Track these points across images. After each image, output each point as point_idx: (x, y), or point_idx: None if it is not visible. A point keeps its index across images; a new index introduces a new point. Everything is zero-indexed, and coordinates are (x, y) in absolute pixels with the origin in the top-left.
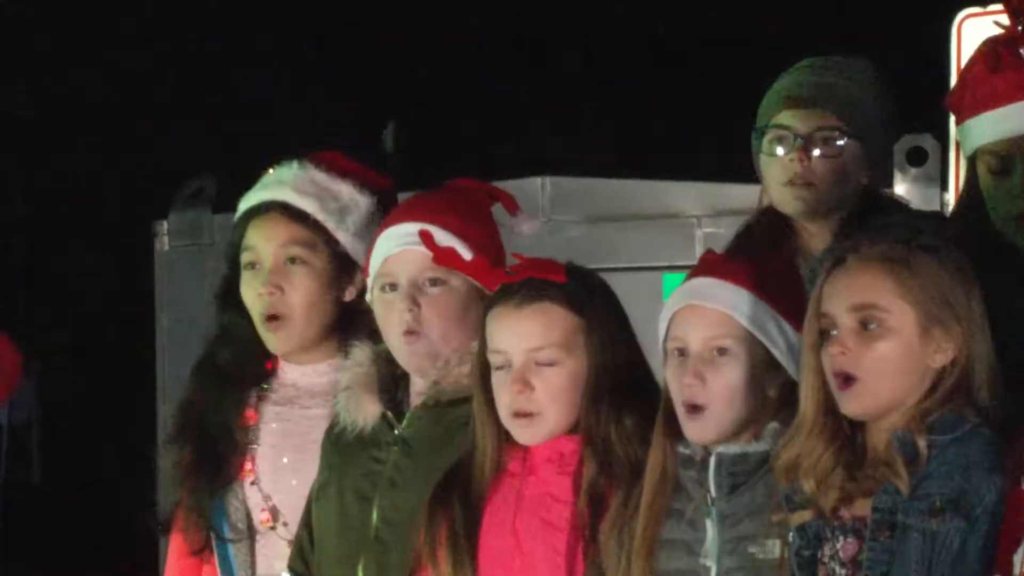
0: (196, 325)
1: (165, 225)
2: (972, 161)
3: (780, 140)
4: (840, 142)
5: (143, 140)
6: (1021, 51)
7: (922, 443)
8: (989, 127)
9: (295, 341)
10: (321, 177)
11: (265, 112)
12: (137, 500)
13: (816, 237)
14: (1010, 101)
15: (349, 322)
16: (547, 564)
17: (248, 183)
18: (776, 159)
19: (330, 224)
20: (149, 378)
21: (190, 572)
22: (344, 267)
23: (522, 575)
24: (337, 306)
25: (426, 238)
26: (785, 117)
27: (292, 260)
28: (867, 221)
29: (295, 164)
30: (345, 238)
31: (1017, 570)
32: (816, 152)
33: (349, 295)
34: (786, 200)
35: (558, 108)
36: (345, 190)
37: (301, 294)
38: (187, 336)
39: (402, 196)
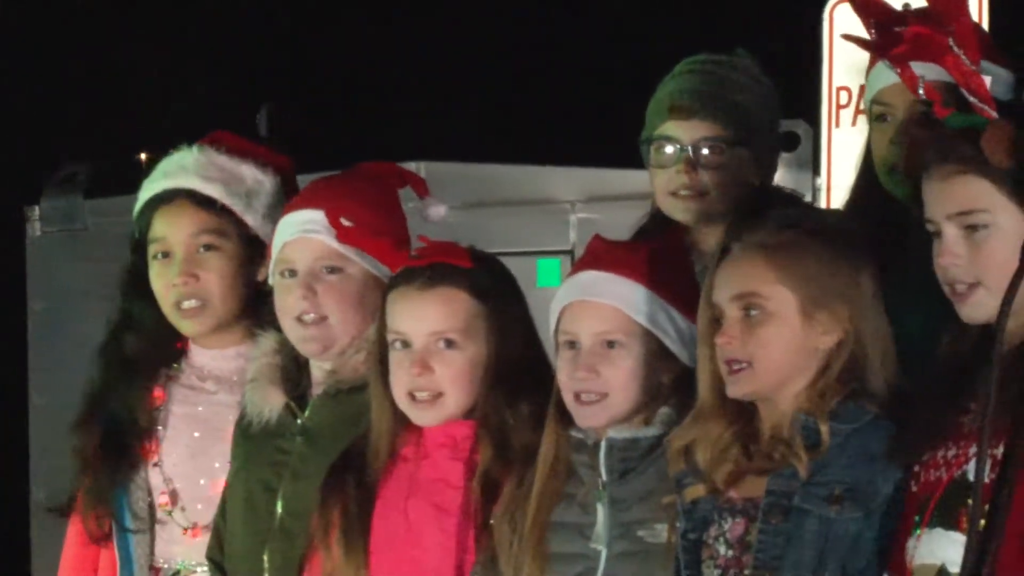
0: (68, 311)
1: (37, 211)
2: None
3: (667, 151)
4: (726, 151)
5: (13, 125)
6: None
7: (824, 429)
8: (878, 76)
9: (211, 326)
10: (223, 160)
11: (139, 97)
12: (8, 488)
13: (709, 237)
14: None
15: (261, 303)
16: (438, 548)
17: (121, 168)
18: (663, 170)
19: (238, 208)
20: (20, 365)
21: (88, 561)
22: (255, 248)
23: (413, 559)
24: (251, 287)
25: (332, 216)
26: (670, 128)
27: (204, 248)
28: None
29: (195, 149)
30: (254, 220)
31: (910, 560)
32: (703, 163)
33: (261, 275)
34: (675, 210)
35: (432, 93)
36: (248, 172)
37: (216, 280)
38: (59, 322)
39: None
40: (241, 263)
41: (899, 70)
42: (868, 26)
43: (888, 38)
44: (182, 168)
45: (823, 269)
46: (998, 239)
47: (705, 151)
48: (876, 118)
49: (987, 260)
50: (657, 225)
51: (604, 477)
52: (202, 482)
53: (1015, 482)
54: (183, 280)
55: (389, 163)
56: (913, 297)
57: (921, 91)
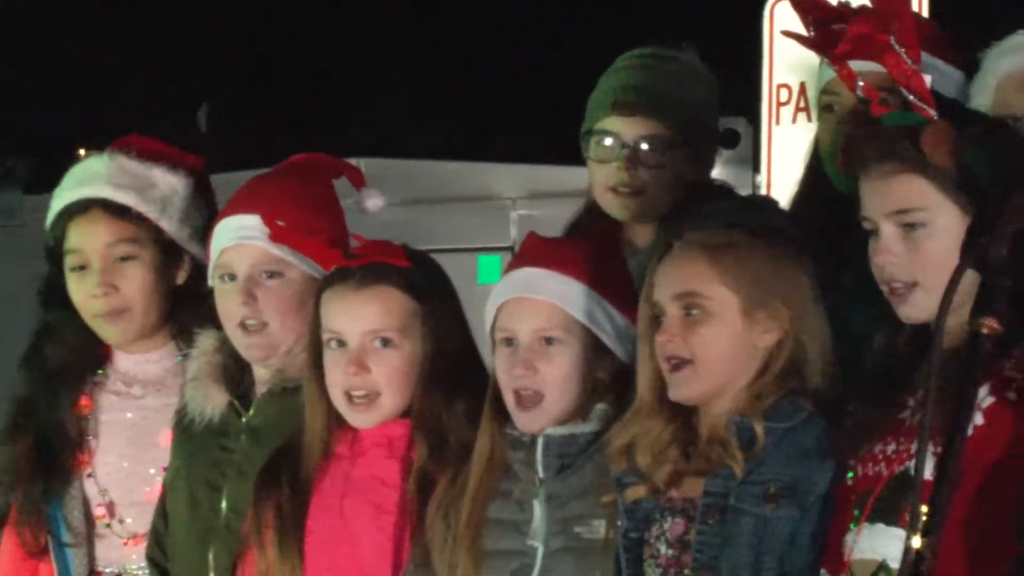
0: (6, 306)
1: None
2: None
3: (607, 145)
4: (668, 149)
5: None
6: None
7: (759, 429)
8: (827, 67)
9: (134, 333)
10: (134, 166)
11: (77, 92)
12: None
13: (642, 234)
14: None
15: (182, 307)
16: (374, 547)
17: (60, 164)
18: (603, 164)
19: (152, 215)
20: None
21: (27, 574)
22: (172, 253)
23: (349, 558)
24: (170, 291)
25: (267, 219)
26: (612, 122)
27: (121, 258)
28: (692, 207)
29: (104, 155)
30: (169, 225)
31: (847, 554)
32: (643, 160)
33: (180, 279)
34: (612, 206)
35: (373, 89)
36: (160, 176)
37: (136, 288)
38: None
39: (223, 177)
40: (159, 269)
41: (838, 68)
42: (807, 23)
43: (828, 36)
44: (94, 176)
45: (765, 269)
46: (936, 238)
47: (646, 148)
48: (824, 108)
49: (925, 259)
50: (592, 219)
51: (541, 473)
52: (138, 490)
53: (955, 479)
54: (103, 291)
55: (322, 155)
56: (859, 292)
57: (859, 90)
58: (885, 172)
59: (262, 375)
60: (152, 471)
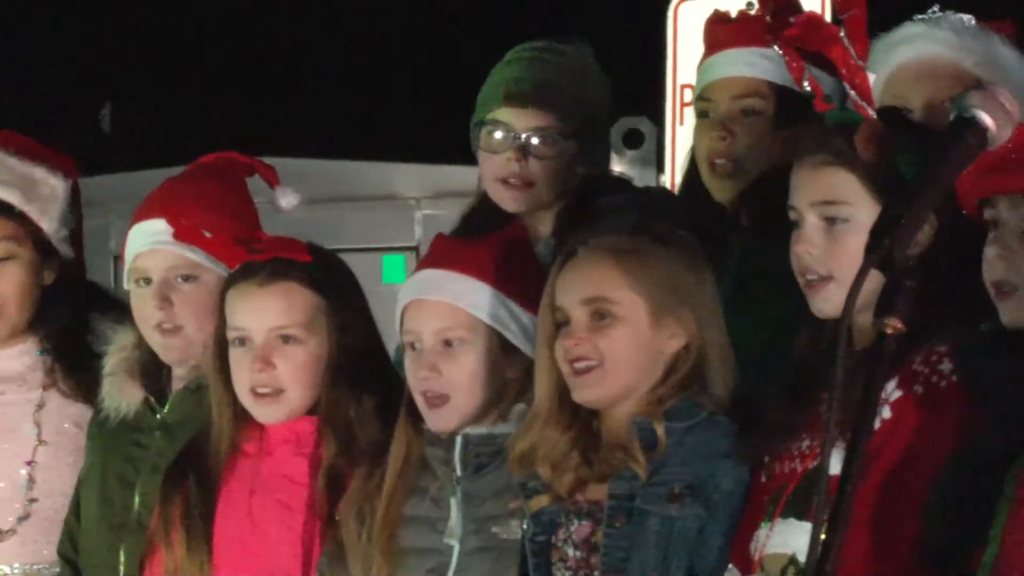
0: None
1: None
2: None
3: (498, 136)
4: (559, 142)
5: None
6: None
7: (660, 430)
8: (704, 72)
9: (6, 333)
10: (15, 163)
11: None
12: None
13: (540, 224)
14: (723, 48)
15: (47, 305)
16: (283, 545)
17: None
18: (493, 155)
19: (34, 214)
20: None
21: None
22: (47, 253)
23: (258, 556)
24: (40, 291)
25: (177, 222)
26: (504, 114)
27: (1, 258)
28: (592, 204)
29: None
30: (49, 226)
31: (755, 555)
32: (533, 152)
33: (48, 278)
34: (502, 198)
35: (279, 88)
36: (41, 176)
37: (13, 288)
38: None
39: (128, 176)
40: (35, 269)
41: (786, 57)
42: (765, 9)
43: (781, 20)
44: None
45: (671, 274)
46: (856, 234)
47: (537, 141)
48: (699, 114)
49: (842, 253)
50: (485, 212)
51: (459, 472)
52: (1, 485)
53: (859, 475)
54: None
55: (234, 154)
56: (732, 303)
57: (806, 83)
58: (816, 163)
59: (179, 372)
60: (15, 466)
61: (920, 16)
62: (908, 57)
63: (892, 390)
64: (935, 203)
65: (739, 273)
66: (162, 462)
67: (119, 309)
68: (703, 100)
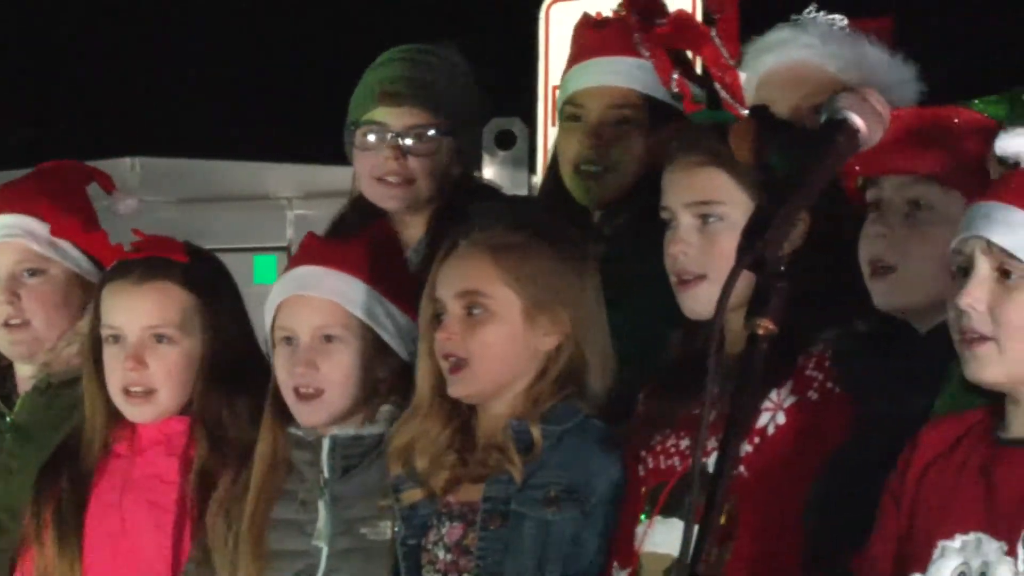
0: None
1: None
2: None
3: (375, 136)
4: (435, 139)
5: None
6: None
7: (537, 432)
8: (574, 78)
9: None
10: None
11: None
12: None
13: (411, 227)
14: (597, 54)
15: None
16: (153, 545)
17: None
18: (370, 155)
19: None
20: None
21: None
22: None
23: (129, 556)
24: None
25: (49, 216)
26: (380, 113)
27: None
28: (463, 208)
29: None
30: None
31: (638, 546)
32: (411, 150)
33: None
34: (381, 197)
35: (148, 87)
36: None
37: None
38: None
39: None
40: None
41: (653, 58)
42: (631, 10)
43: (651, 19)
44: None
45: (548, 272)
46: (730, 233)
47: (413, 138)
48: (568, 118)
49: (717, 253)
50: (358, 214)
51: (326, 474)
52: None
53: (730, 476)
54: None
55: (71, 161)
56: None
57: (674, 85)
58: (689, 164)
59: (25, 372)
60: None
61: (794, 17)
62: (775, 63)
63: (786, 396)
64: (806, 203)
65: (606, 275)
66: (15, 464)
67: None
68: (574, 105)
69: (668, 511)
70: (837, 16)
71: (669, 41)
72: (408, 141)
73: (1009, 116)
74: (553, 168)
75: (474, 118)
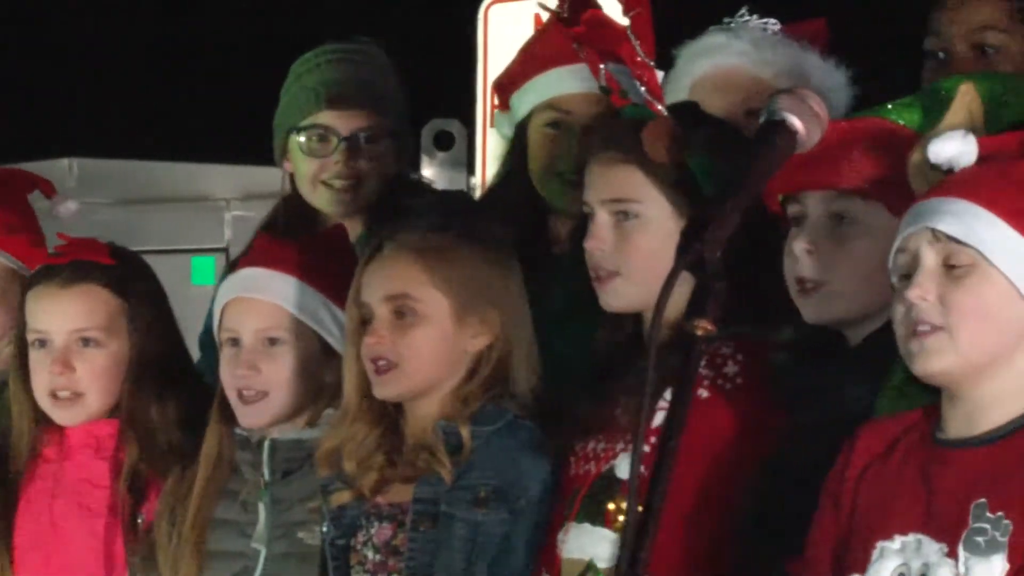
0: None
1: None
2: (521, 131)
3: (322, 140)
4: (384, 141)
5: None
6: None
7: (466, 433)
8: (557, 82)
9: None
10: None
11: None
12: None
13: (351, 229)
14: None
15: None
16: (85, 549)
17: None
18: (314, 159)
19: None
20: None
21: None
22: None
23: (60, 561)
24: None
25: None
26: (327, 117)
27: None
28: (397, 204)
29: None
30: None
31: (560, 552)
32: (362, 152)
33: None
34: (324, 201)
35: (84, 88)
36: None
37: None
38: None
39: None
40: None
41: (585, 53)
42: (563, 5)
43: (575, 18)
44: None
45: (476, 273)
46: (645, 231)
47: (364, 140)
48: (548, 124)
49: (631, 250)
50: (289, 217)
51: (267, 477)
52: None
53: (667, 481)
54: None
55: (12, 168)
56: (568, 314)
57: (602, 79)
58: (607, 160)
59: None
60: None
61: (727, 20)
62: (708, 68)
63: (699, 389)
64: (746, 205)
65: (568, 280)
66: None
67: None
68: (556, 109)
69: (582, 516)
70: (771, 20)
71: (585, 39)
72: (359, 143)
73: (923, 123)
74: (518, 174)
75: (407, 117)
